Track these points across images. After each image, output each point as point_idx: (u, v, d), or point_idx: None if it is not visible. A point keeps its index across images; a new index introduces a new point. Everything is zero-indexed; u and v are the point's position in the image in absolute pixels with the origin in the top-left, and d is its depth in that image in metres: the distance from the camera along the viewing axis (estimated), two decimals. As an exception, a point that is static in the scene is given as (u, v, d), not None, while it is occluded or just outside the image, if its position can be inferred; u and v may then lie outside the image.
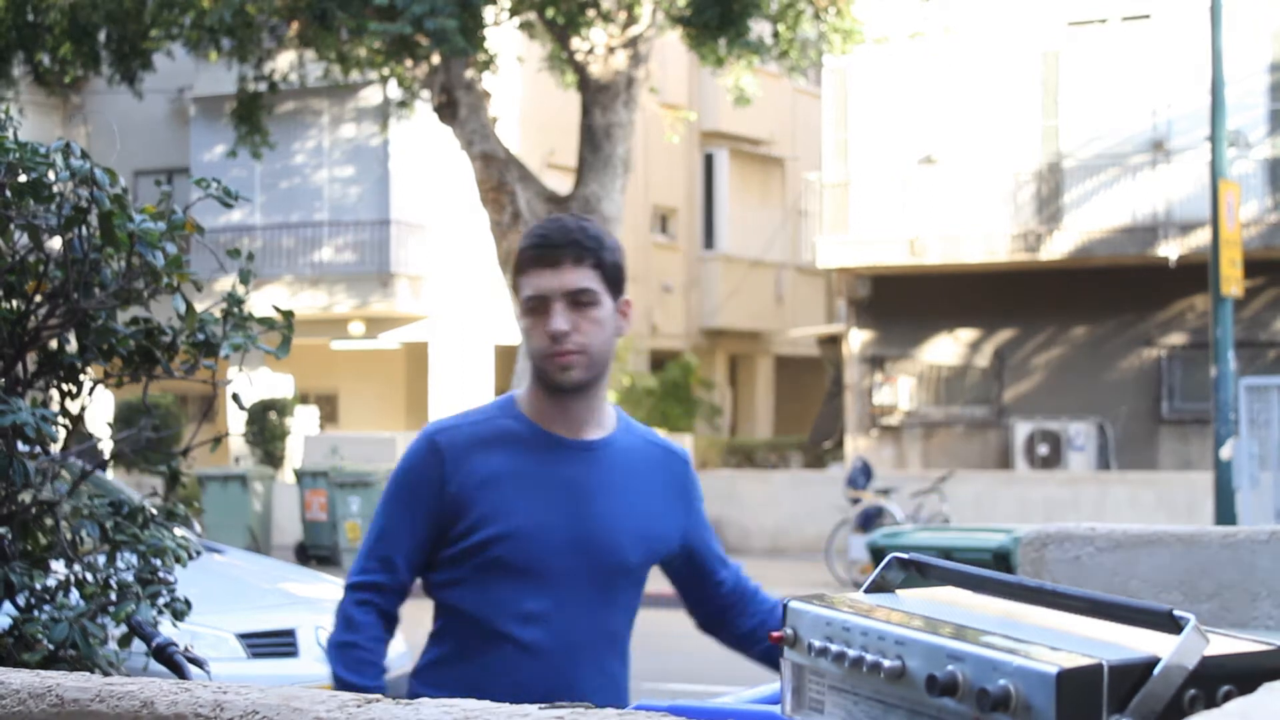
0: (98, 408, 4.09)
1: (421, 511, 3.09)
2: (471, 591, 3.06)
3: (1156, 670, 1.33)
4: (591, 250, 3.03)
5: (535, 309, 3.03)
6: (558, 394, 3.06)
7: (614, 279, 3.06)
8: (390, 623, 3.16)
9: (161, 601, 3.94)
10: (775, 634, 1.60)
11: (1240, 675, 1.37)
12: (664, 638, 14.68)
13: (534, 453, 3.08)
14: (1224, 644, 1.40)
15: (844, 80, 23.58)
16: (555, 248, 3.03)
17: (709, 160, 31.26)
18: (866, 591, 1.64)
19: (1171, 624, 1.36)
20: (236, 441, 24.71)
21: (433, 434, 3.11)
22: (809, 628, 1.54)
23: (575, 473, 3.09)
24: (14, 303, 3.73)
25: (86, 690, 1.64)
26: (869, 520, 17.80)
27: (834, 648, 1.49)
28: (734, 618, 3.36)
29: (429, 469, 3.09)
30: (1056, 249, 22.15)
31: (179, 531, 4.07)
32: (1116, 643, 1.39)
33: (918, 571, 1.66)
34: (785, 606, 1.61)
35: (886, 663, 1.44)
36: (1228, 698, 1.35)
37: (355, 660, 3.05)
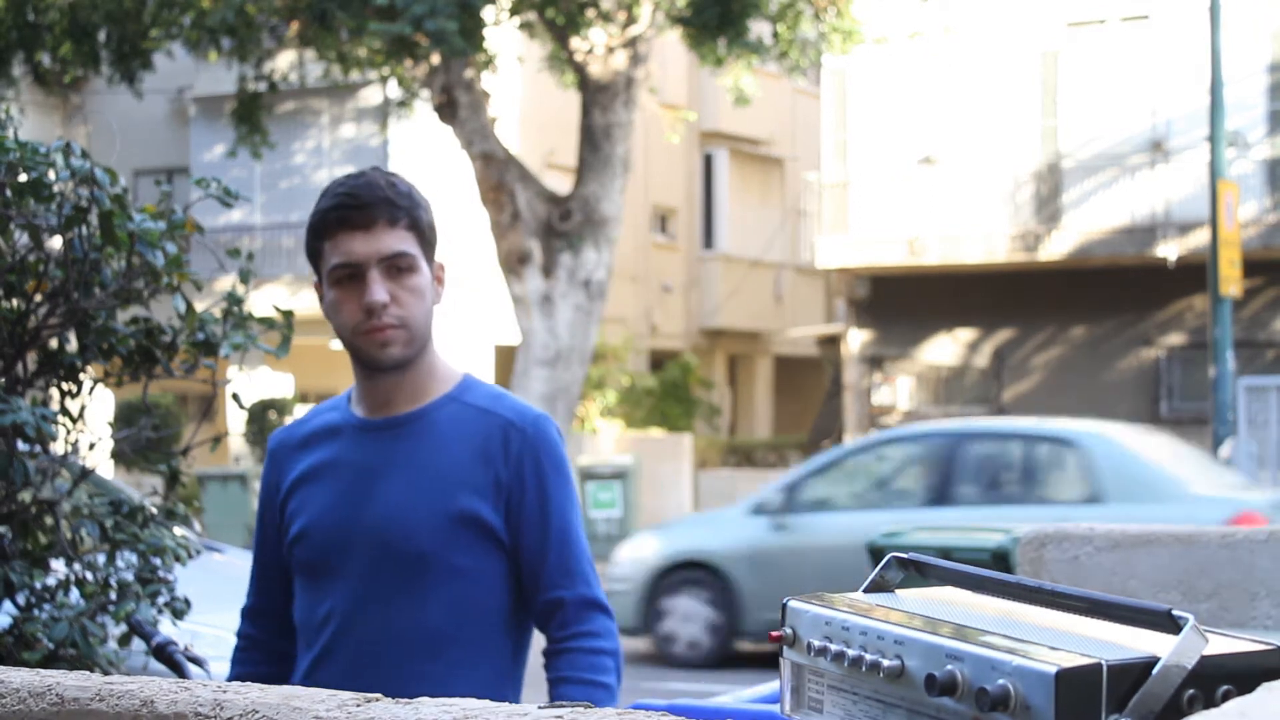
0: (98, 407, 4.08)
1: (269, 522, 2.88)
2: (296, 599, 2.83)
3: (1155, 670, 1.33)
4: (406, 209, 2.70)
5: (345, 278, 2.69)
6: (373, 373, 2.74)
7: (430, 241, 2.74)
8: (275, 655, 2.88)
9: (161, 600, 3.94)
10: (775, 633, 1.61)
11: (1239, 675, 1.38)
12: (663, 637, 14.66)
13: (337, 440, 2.80)
14: (1222, 644, 1.40)
15: (843, 80, 23.58)
16: (366, 207, 2.68)
17: (708, 160, 31.26)
18: (865, 591, 1.64)
19: (1170, 624, 1.36)
20: (236, 441, 24.71)
21: (271, 438, 2.91)
22: (808, 627, 1.54)
23: (367, 455, 2.75)
24: (14, 302, 3.74)
25: (86, 689, 1.65)
26: (868, 520, 17.78)
27: (833, 647, 1.49)
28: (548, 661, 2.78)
29: (267, 476, 2.89)
30: (1056, 249, 22.15)
31: (179, 531, 4.07)
32: (1115, 642, 1.39)
33: (917, 571, 1.66)
34: (785, 606, 1.62)
35: (885, 662, 1.44)
36: (1226, 697, 1.35)
37: None
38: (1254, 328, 21.76)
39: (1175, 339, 22.48)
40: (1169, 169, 21.85)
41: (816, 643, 1.52)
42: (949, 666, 1.38)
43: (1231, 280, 15.69)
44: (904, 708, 1.43)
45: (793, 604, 1.58)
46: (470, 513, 2.69)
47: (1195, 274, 20.25)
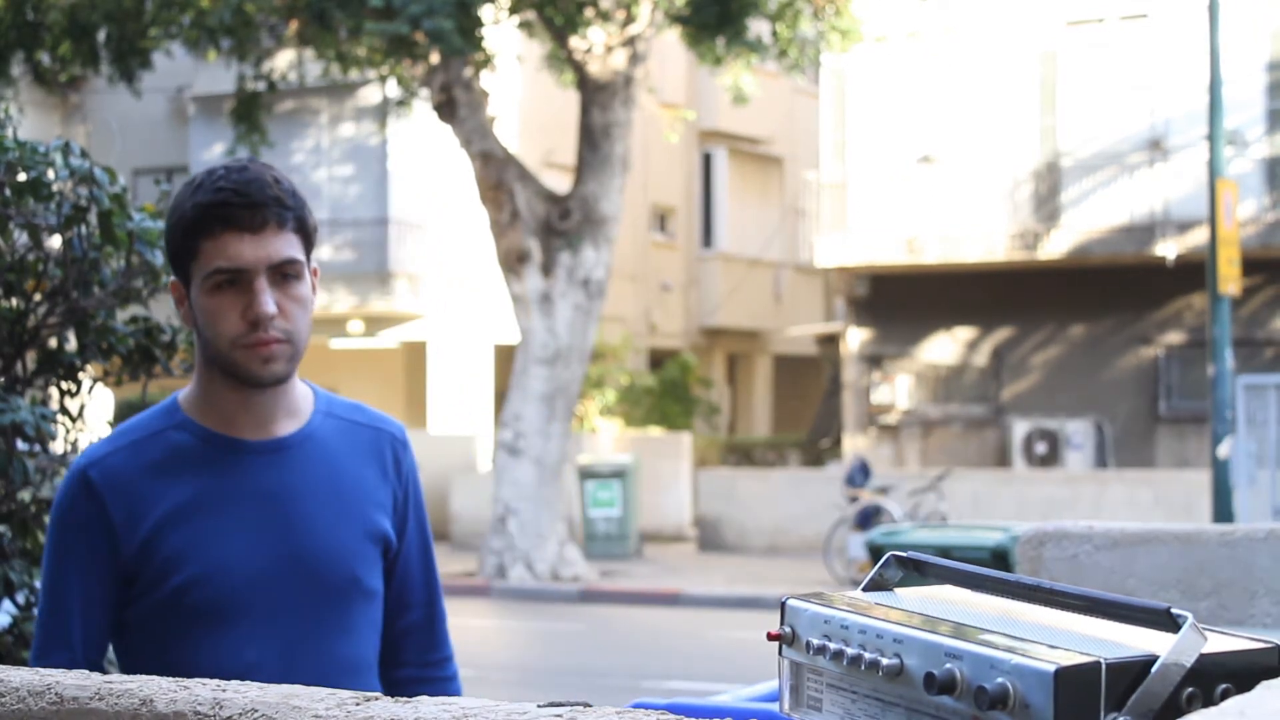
0: (97, 406, 4.08)
1: (89, 569, 2.44)
2: (178, 654, 2.42)
3: (1154, 668, 1.33)
4: (294, 210, 2.43)
5: (224, 284, 2.39)
6: (244, 390, 2.46)
7: (312, 244, 2.48)
8: None
9: (160, 600, 3.94)
10: (773, 632, 1.60)
11: (1238, 673, 1.38)
12: (662, 636, 14.70)
13: (214, 466, 2.46)
14: (1221, 642, 1.41)
15: (842, 79, 23.58)
16: (257, 207, 2.39)
17: (707, 159, 31.26)
18: (865, 590, 1.65)
19: (1169, 622, 1.36)
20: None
21: (84, 467, 2.46)
22: (807, 625, 1.54)
23: (268, 480, 2.47)
24: (13, 301, 3.74)
25: (86, 688, 1.65)
26: (867, 518, 17.80)
27: (832, 645, 1.49)
28: (388, 667, 2.63)
29: (87, 514, 2.44)
30: (1054, 248, 22.15)
31: (178, 530, 4.07)
32: (1114, 641, 1.39)
33: (916, 570, 1.66)
34: (784, 604, 1.61)
35: (885, 660, 1.44)
36: (1225, 695, 1.36)
37: None
38: (1253, 326, 21.76)
39: (1174, 337, 22.48)
40: (1168, 168, 21.85)
41: (815, 641, 1.52)
42: (948, 665, 1.38)
43: (1230, 279, 15.69)
44: (903, 706, 1.43)
45: (792, 602, 1.58)
46: (381, 531, 2.54)
47: (1194, 273, 20.25)
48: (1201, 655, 1.35)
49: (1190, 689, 1.35)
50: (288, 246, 2.41)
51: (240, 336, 2.40)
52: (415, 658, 2.65)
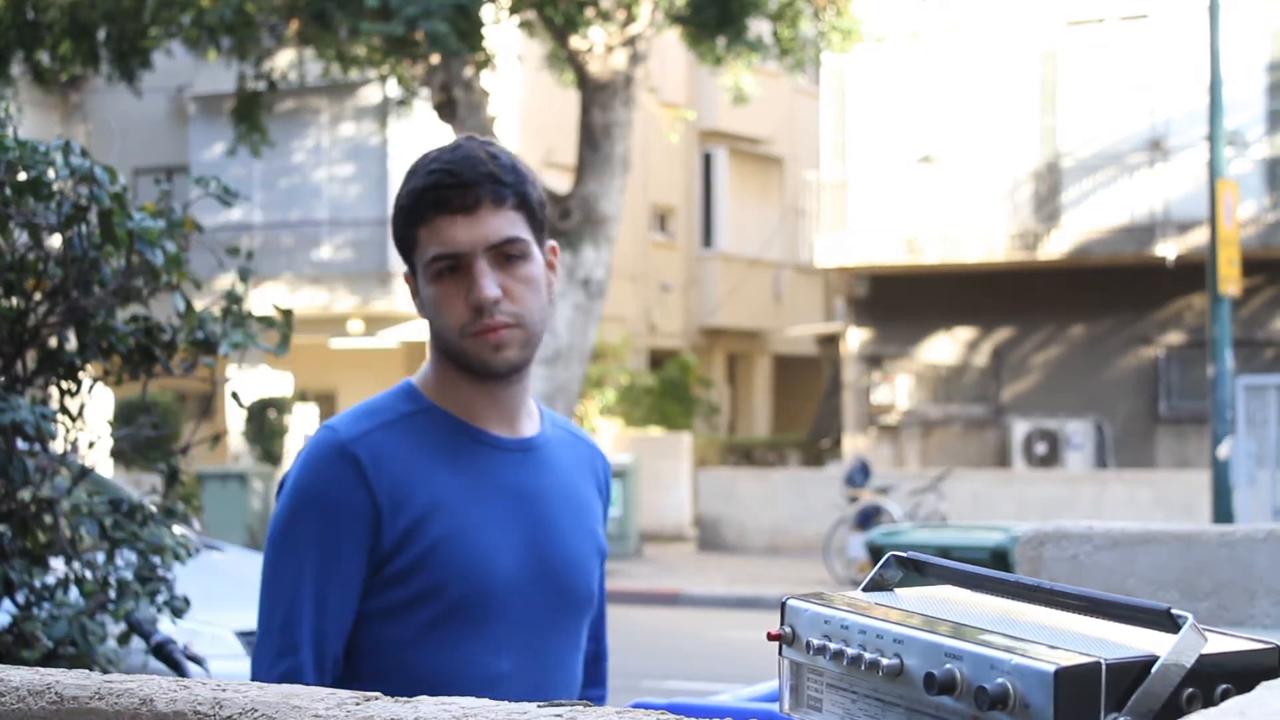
0: (97, 405, 4.08)
1: (344, 557, 2.23)
2: (416, 657, 2.24)
3: (1154, 669, 1.33)
4: (513, 186, 2.28)
5: (445, 271, 2.27)
6: (485, 381, 2.31)
7: (541, 221, 2.33)
8: None
9: (160, 599, 3.94)
10: (774, 632, 1.60)
11: (1237, 673, 1.38)
12: (662, 636, 14.70)
13: (469, 458, 2.31)
14: (1221, 642, 1.41)
15: (842, 79, 23.58)
16: (468, 186, 2.26)
17: (708, 159, 31.26)
18: (865, 590, 1.65)
19: (1169, 622, 1.36)
20: (235, 439, 24.71)
21: (344, 443, 2.26)
22: (807, 625, 1.54)
23: (519, 480, 2.33)
24: (14, 300, 3.74)
25: (86, 688, 1.65)
26: (867, 518, 17.80)
27: (832, 645, 1.49)
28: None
29: (351, 494, 2.23)
30: (1055, 248, 22.15)
31: (178, 529, 4.07)
32: (1114, 641, 1.39)
33: (916, 570, 1.66)
34: (784, 604, 1.62)
35: (885, 661, 1.44)
36: (1225, 696, 1.36)
37: None
38: (1253, 326, 21.76)
39: (1174, 338, 22.48)
40: (1168, 168, 21.86)
41: (815, 641, 1.52)
42: (948, 665, 1.38)
43: (1230, 279, 15.69)
44: (903, 706, 1.43)
45: (792, 602, 1.58)
46: (602, 549, 2.43)
47: (1194, 273, 20.25)
48: (1201, 656, 1.35)
49: (1190, 689, 1.35)
50: (507, 225, 2.27)
51: (467, 324, 2.27)
52: (592, 691, 2.52)
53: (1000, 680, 1.33)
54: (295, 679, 2.18)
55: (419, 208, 2.27)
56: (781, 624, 1.58)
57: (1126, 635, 1.40)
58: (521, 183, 2.28)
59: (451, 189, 2.25)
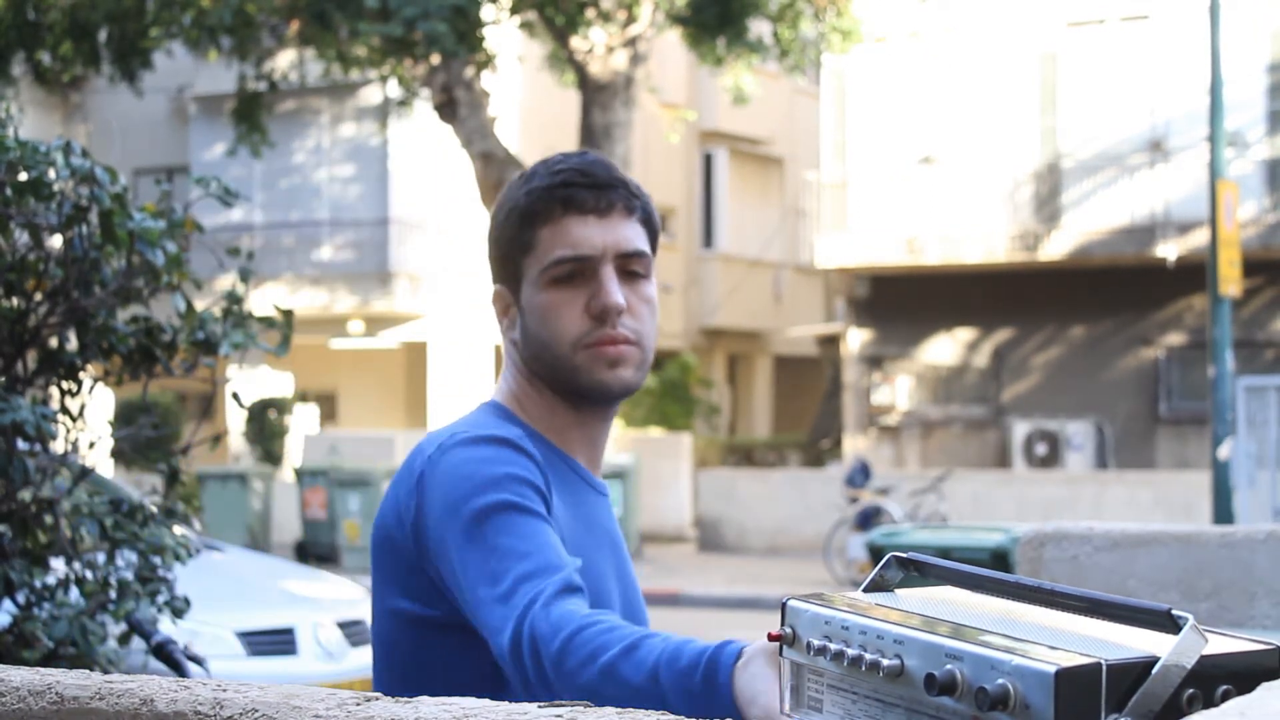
0: (97, 406, 4.08)
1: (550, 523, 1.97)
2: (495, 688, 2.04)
3: (1155, 669, 1.33)
4: (641, 199, 2.13)
5: (565, 277, 2.06)
6: (587, 407, 2.10)
7: (655, 246, 2.15)
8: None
9: (161, 599, 3.94)
10: (774, 633, 1.61)
11: (1238, 674, 1.38)
12: (662, 637, 14.69)
13: (574, 493, 2.09)
14: (1221, 643, 1.41)
15: (843, 80, 23.59)
16: (603, 189, 2.09)
17: (708, 160, 31.27)
18: (865, 590, 1.65)
19: (1170, 623, 1.37)
20: (236, 440, 24.72)
21: (511, 438, 2.00)
22: (807, 626, 1.54)
23: (609, 521, 2.15)
24: (14, 301, 3.74)
25: (86, 688, 1.65)
26: (867, 519, 17.80)
27: (833, 646, 1.49)
28: None
29: (534, 473, 1.99)
30: (1055, 249, 22.16)
31: (178, 529, 4.08)
32: (1115, 642, 1.39)
33: (916, 570, 1.66)
34: (784, 605, 1.62)
35: (885, 661, 1.43)
36: (1225, 697, 1.36)
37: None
38: (1253, 327, 21.76)
39: (1174, 339, 22.49)
40: (1168, 169, 21.86)
41: (816, 642, 1.52)
42: (948, 666, 1.38)
43: (1231, 280, 15.69)
44: (903, 707, 1.43)
45: (792, 603, 1.58)
46: None
47: (1194, 274, 20.25)
48: (1202, 656, 1.35)
49: (1191, 690, 1.35)
50: (637, 237, 2.09)
51: (584, 335, 2.04)
52: None
53: (1001, 681, 1.33)
54: (565, 584, 1.86)
55: (545, 206, 2.07)
56: (782, 625, 1.58)
57: (1127, 636, 1.41)
58: (647, 200, 2.14)
59: (585, 189, 2.07)
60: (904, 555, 1.67)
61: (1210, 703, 1.35)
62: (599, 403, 2.10)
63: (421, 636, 2.02)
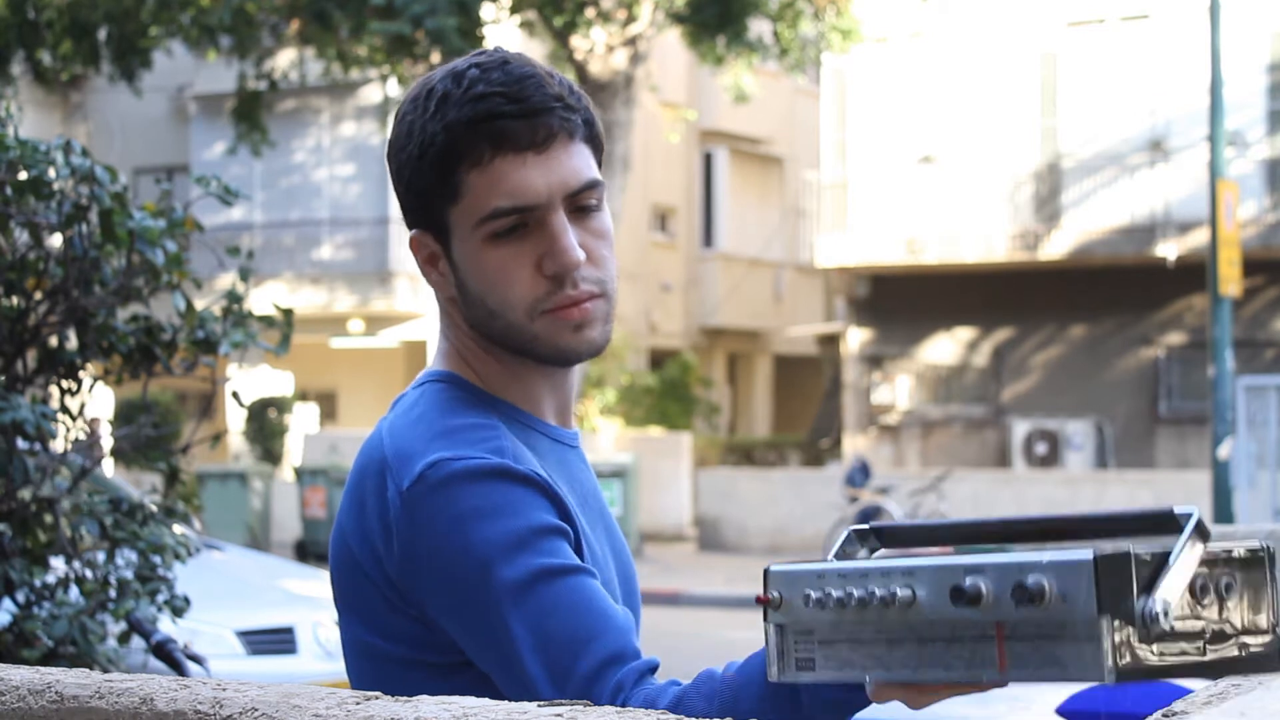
0: (97, 405, 4.09)
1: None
2: None
3: (1172, 558, 1.36)
4: (581, 111, 1.77)
5: (506, 232, 1.74)
6: (544, 368, 1.83)
7: (601, 156, 1.83)
8: None
9: (161, 598, 3.94)
10: (762, 595, 1.57)
11: (1234, 565, 1.43)
12: (661, 636, 14.68)
13: (561, 461, 1.85)
14: (1218, 543, 1.45)
15: (843, 79, 23.59)
16: (537, 115, 1.72)
17: (708, 159, 31.27)
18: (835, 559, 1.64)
19: (1175, 522, 1.40)
20: (236, 439, 24.72)
21: (505, 467, 1.70)
22: (799, 584, 1.53)
23: (591, 482, 1.90)
24: (14, 300, 3.74)
25: (86, 687, 1.65)
26: (867, 519, 17.78)
27: (835, 593, 1.48)
28: None
29: (550, 509, 1.72)
30: (1055, 248, 22.16)
31: (178, 529, 4.08)
32: (1125, 542, 1.42)
33: (879, 540, 1.65)
34: (766, 571, 1.60)
35: (900, 591, 1.42)
36: (1229, 587, 1.41)
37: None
38: (1253, 327, 21.76)
39: (1174, 338, 22.49)
40: (1168, 168, 21.86)
41: (815, 594, 1.50)
42: (970, 579, 1.38)
43: (1231, 280, 15.69)
44: (913, 639, 1.42)
45: (775, 568, 1.58)
46: None
47: (1195, 273, 20.26)
48: (1206, 550, 1.39)
49: (1200, 579, 1.39)
50: (585, 165, 1.76)
51: (540, 300, 1.75)
52: None
53: (1036, 576, 1.35)
54: (640, 666, 1.70)
55: (468, 145, 1.72)
56: (766, 590, 1.57)
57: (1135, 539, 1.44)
58: (586, 106, 1.79)
59: (516, 119, 1.71)
60: (863, 527, 1.66)
61: (1217, 590, 1.39)
62: (564, 365, 1.83)
63: (406, 671, 1.77)
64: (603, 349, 1.81)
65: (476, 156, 1.72)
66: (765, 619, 1.55)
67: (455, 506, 1.68)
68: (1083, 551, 1.34)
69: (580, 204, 1.76)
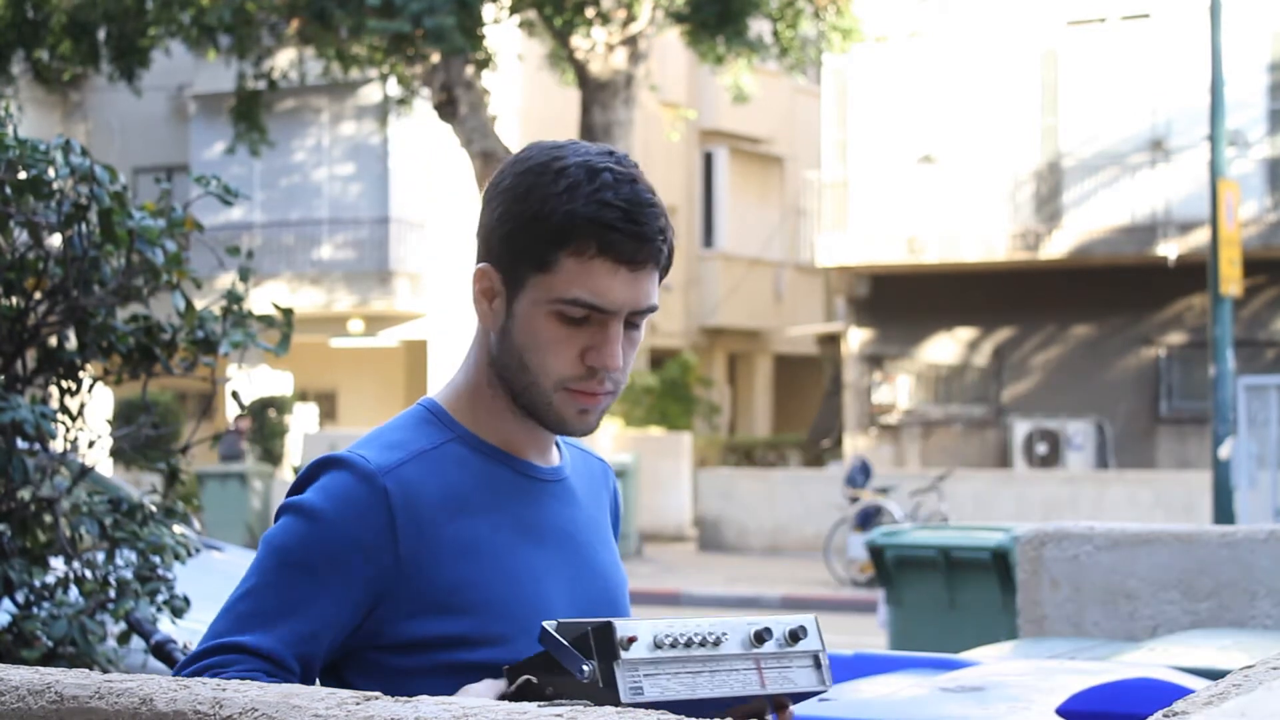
0: (97, 405, 4.08)
1: (347, 590, 1.96)
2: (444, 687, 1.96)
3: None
4: (669, 245, 2.03)
5: (577, 319, 1.98)
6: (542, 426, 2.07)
7: (664, 277, 2.09)
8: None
9: (160, 599, 3.94)
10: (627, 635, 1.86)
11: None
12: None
13: (509, 494, 2.05)
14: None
15: (843, 79, 23.59)
16: (644, 242, 1.98)
17: (708, 159, 31.26)
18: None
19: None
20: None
21: (373, 474, 1.99)
22: (646, 633, 1.88)
23: (562, 516, 2.10)
24: (14, 300, 3.74)
25: (86, 687, 1.65)
26: (867, 519, 17.79)
27: (673, 636, 1.89)
28: None
29: (374, 532, 1.97)
30: (1055, 248, 22.16)
31: (178, 529, 4.07)
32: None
33: None
34: (595, 629, 1.87)
35: (712, 636, 1.89)
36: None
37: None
38: (1254, 327, 21.76)
39: (1175, 338, 22.49)
40: (1169, 168, 21.86)
41: (662, 637, 1.87)
42: (758, 628, 1.94)
43: (1231, 279, 15.68)
44: (708, 670, 1.88)
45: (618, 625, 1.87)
46: (625, 576, 2.22)
47: (1195, 273, 20.25)
48: None
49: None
50: (654, 290, 2.00)
51: (569, 379, 1.99)
52: None
53: (801, 623, 1.96)
54: (263, 652, 1.92)
55: (580, 236, 1.95)
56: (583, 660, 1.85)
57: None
58: (672, 239, 2.02)
59: (627, 238, 1.95)
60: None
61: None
62: (555, 433, 2.09)
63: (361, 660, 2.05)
64: (591, 433, 2.07)
65: (581, 248, 1.95)
66: (618, 660, 1.83)
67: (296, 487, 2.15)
68: (805, 616, 1.99)
69: (634, 321, 2.01)
